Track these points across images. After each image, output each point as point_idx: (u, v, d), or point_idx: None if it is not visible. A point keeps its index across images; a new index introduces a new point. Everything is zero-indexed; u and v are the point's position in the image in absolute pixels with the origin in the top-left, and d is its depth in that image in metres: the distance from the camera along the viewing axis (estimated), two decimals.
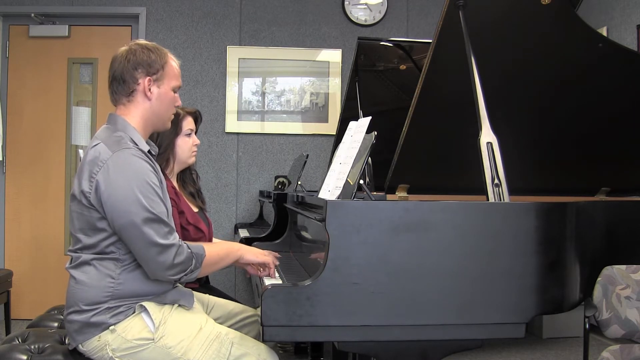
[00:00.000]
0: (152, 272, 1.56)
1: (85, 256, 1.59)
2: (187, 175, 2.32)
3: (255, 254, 1.78)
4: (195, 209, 2.26)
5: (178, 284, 1.75)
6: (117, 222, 1.52)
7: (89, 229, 1.58)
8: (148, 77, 1.65)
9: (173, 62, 1.72)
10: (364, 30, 4.29)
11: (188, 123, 2.21)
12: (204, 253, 1.62)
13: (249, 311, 2.01)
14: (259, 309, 1.46)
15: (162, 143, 2.11)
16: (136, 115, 1.67)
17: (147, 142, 1.71)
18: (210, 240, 2.26)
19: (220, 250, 1.73)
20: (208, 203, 4.08)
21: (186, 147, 2.20)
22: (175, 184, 2.23)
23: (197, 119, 2.28)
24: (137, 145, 1.62)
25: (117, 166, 1.54)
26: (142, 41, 1.71)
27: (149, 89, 1.66)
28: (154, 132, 2.04)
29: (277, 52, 4.25)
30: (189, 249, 1.59)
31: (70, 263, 1.63)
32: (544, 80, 2.18)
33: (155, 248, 1.52)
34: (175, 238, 1.56)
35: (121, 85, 1.66)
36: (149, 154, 1.66)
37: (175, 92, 1.73)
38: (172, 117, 1.78)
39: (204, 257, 1.62)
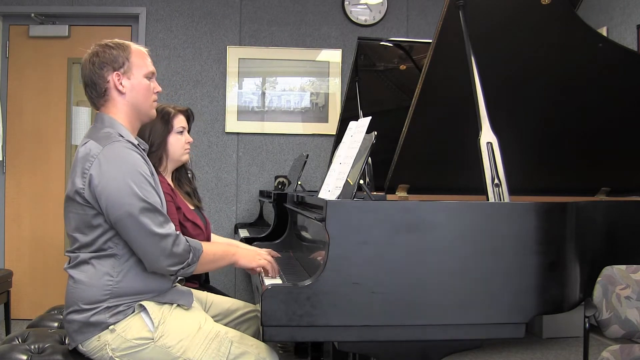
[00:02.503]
0: (150, 263, 1.56)
1: (83, 255, 1.59)
2: (183, 175, 2.32)
3: (249, 260, 1.77)
4: (192, 207, 2.26)
5: (177, 284, 1.75)
6: (113, 215, 1.53)
7: (84, 227, 1.58)
8: (115, 72, 1.66)
9: (139, 51, 1.71)
10: (364, 30, 4.29)
11: (179, 121, 2.22)
12: (202, 249, 1.63)
13: (247, 307, 2.01)
14: (258, 305, 1.46)
15: (154, 141, 2.12)
16: (118, 112, 1.68)
17: (136, 139, 1.71)
18: (208, 238, 2.26)
19: (217, 250, 1.74)
20: (208, 203, 4.11)
21: (178, 144, 2.21)
22: (170, 182, 2.23)
23: (189, 117, 2.29)
24: (125, 138, 1.63)
25: (109, 159, 1.54)
26: (103, 41, 1.70)
27: (120, 83, 1.66)
28: (147, 130, 2.05)
29: (277, 52, 4.25)
30: (187, 241, 1.59)
31: (69, 263, 1.63)
32: (544, 80, 2.18)
33: (153, 237, 1.52)
34: (171, 228, 1.57)
35: (94, 89, 1.67)
36: (138, 147, 1.67)
37: (149, 79, 1.72)
38: (155, 104, 1.77)
39: (201, 252, 1.63)
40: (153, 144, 2.10)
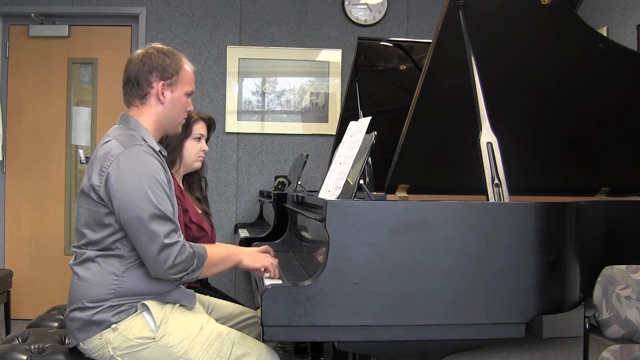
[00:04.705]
0: (153, 270, 1.56)
1: (89, 253, 1.59)
2: (195, 181, 2.32)
3: (253, 260, 1.76)
4: (199, 211, 2.26)
5: (181, 285, 1.74)
6: (123, 216, 1.53)
7: (95, 224, 1.58)
8: (162, 82, 1.67)
9: (188, 67, 1.75)
10: (364, 30, 4.29)
11: (199, 127, 2.22)
12: (206, 254, 1.63)
13: (249, 312, 2.01)
14: (259, 310, 1.46)
15: (170, 143, 2.12)
16: (148, 117, 1.69)
17: (158, 144, 1.71)
18: (212, 242, 2.26)
19: (221, 252, 1.73)
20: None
21: (193, 150, 2.21)
22: (180, 184, 2.23)
23: (210, 126, 2.29)
24: (147, 143, 1.63)
25: (128, 161, 1.55)
26: (158, 45, 1.73)
27: (162, 93, 1.68)
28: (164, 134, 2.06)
29: (277, 52, 4.25)
30: (192, 248, 1.59)
31: (74, 260, 1.63)
32: (544, 80, 2.18)
33: (158, 245, 1.52)
34: (179, 237, 1.57)
35: (135, 88, 1.68)
36: (159, 153, 1.67)
37: (188, 97, 1.75)
38: (183, 121, 1.79)
39: (205, 258, 1.62)
40: (169, 145, 2.10)
